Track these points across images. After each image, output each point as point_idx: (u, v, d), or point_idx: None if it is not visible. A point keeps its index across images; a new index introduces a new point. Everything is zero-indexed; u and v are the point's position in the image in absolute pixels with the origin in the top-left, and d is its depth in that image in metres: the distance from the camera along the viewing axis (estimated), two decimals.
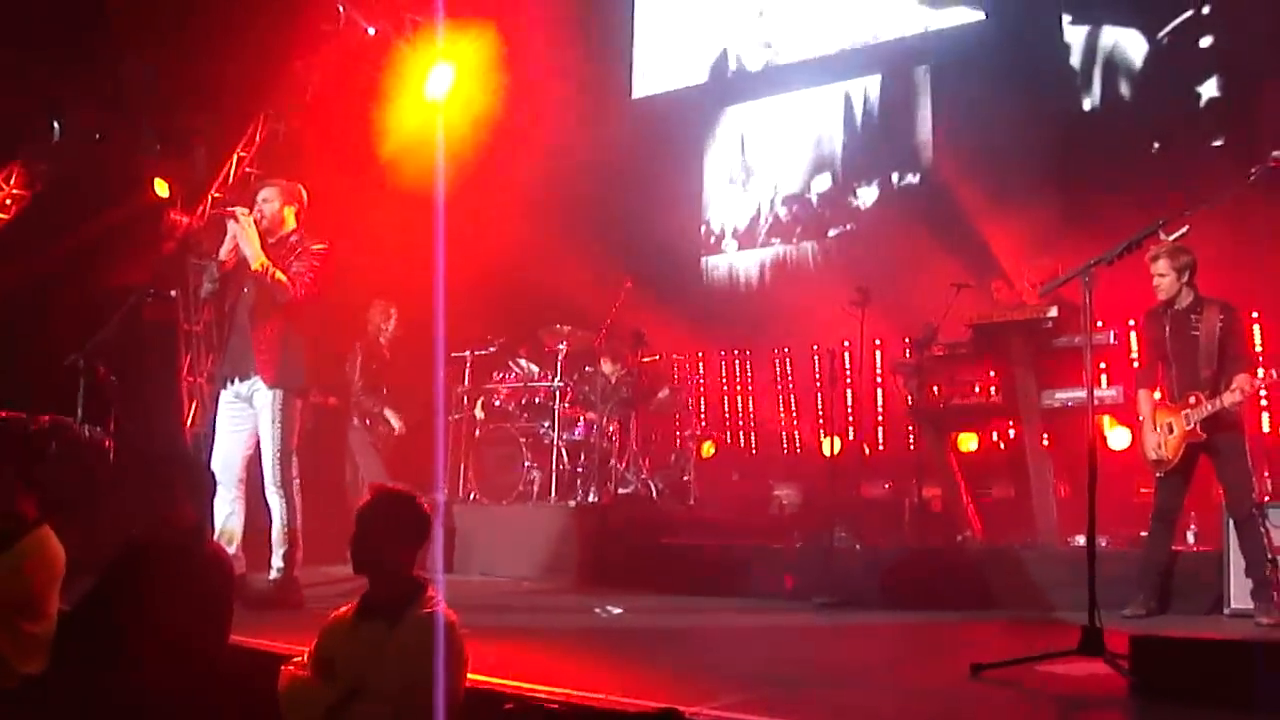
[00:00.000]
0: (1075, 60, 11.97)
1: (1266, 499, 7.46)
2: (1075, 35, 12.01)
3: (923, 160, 13.00)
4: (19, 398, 9.19)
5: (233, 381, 7.54)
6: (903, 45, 13.34)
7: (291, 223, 7.68)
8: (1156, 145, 11.24)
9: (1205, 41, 11.09)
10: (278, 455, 7.39)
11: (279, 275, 7.32)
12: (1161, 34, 11.38)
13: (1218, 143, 10.81)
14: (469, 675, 4.23)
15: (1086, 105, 11.90)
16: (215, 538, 6.91)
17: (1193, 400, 7.24)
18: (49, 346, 9.45)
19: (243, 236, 7.37)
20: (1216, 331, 7.25)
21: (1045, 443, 8.86)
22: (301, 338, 7.56)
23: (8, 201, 11.73)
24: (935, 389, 9.63)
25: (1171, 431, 7.33)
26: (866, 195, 13.48)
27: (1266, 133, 9.79)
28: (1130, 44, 11.63)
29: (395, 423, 10.50)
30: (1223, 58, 10.95)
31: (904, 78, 13.27)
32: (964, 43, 12.45)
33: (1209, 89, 11.02)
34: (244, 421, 7.50)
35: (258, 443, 7.50)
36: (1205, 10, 11.09)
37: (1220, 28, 10.98)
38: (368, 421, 10.53)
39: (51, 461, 8.84)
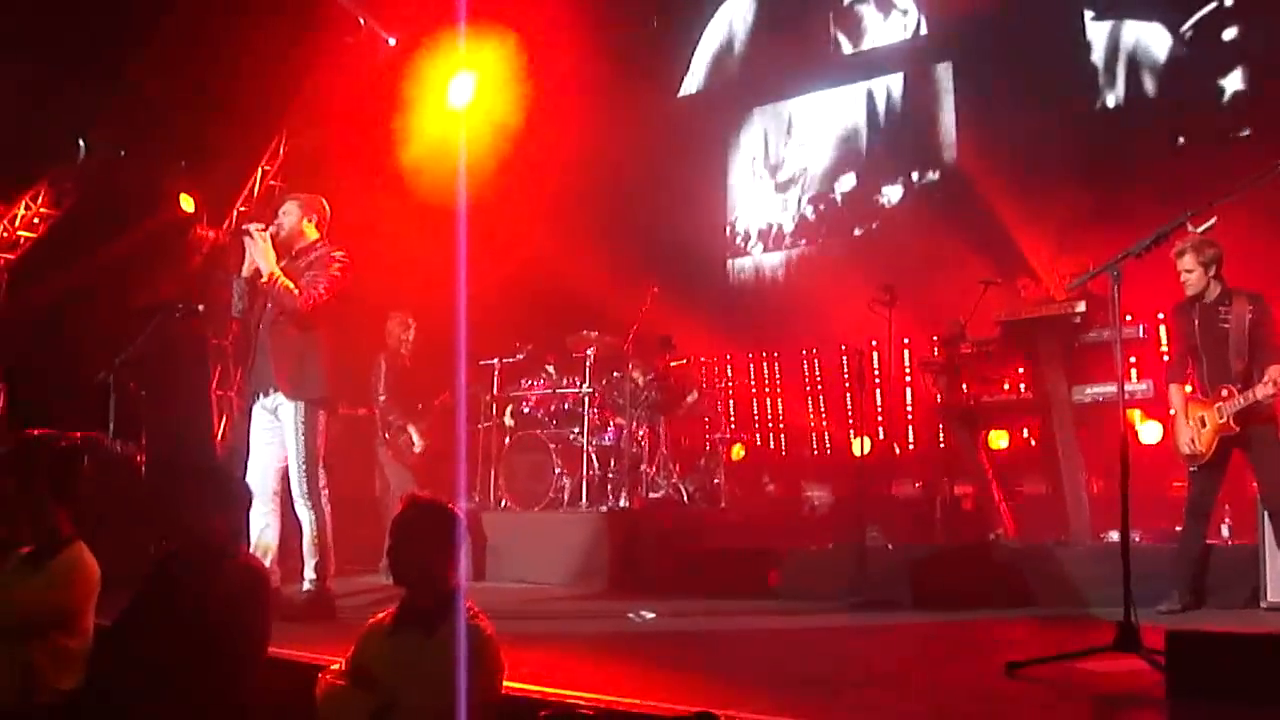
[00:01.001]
0: (1098, 56, 11.93)
1: None
2: (1097, 31, 11.96)
3: (947, 158, 12.98)
4: (51, 415, 9.26)
5: (260, 396, 7.57)
6: (924, 43, 13.32)
7: (312, 234, 7.67)
8: (1181, 139, 11.19)
9: (1229, 34, 11.02)
10: (303, 467, 7.39)
11: (286, 283, 7.31)
12: (1184, 27, 11.32)
13: (1243, 134, 10.74)
14: (505, 683, 4.24)
15: (1110, 101, 11.85)
16: (250, 550, 6.93)
17: (1225, 393, 7.20)
18: (79, 363, 9.52)
19: (256, 250, 7.36)
20: (1246, 323, 7.20)
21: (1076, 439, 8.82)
22: (319, 349, 7.52)
23: (35, 220, 11.83)
24: (964, 386, 9.60)
25: (1204, 425, 7.28)
26: (891, 193, 13.46)
27: None
28: (1153, 38, 11.57)
29: (416, 440, 10.45)
30: (1246, 49, 10.90)
31: (926, 76, 13.24)
32: (986, 40, 12.40)
33: (1233, 81, 10.96)
34: (274, 435, 7.51)
35: None
36: (1228, 2, 11.03)
37: (1243, 19, 10.92)
38: (387, 435, 10.49)
39: (84, 478, 8.90)
